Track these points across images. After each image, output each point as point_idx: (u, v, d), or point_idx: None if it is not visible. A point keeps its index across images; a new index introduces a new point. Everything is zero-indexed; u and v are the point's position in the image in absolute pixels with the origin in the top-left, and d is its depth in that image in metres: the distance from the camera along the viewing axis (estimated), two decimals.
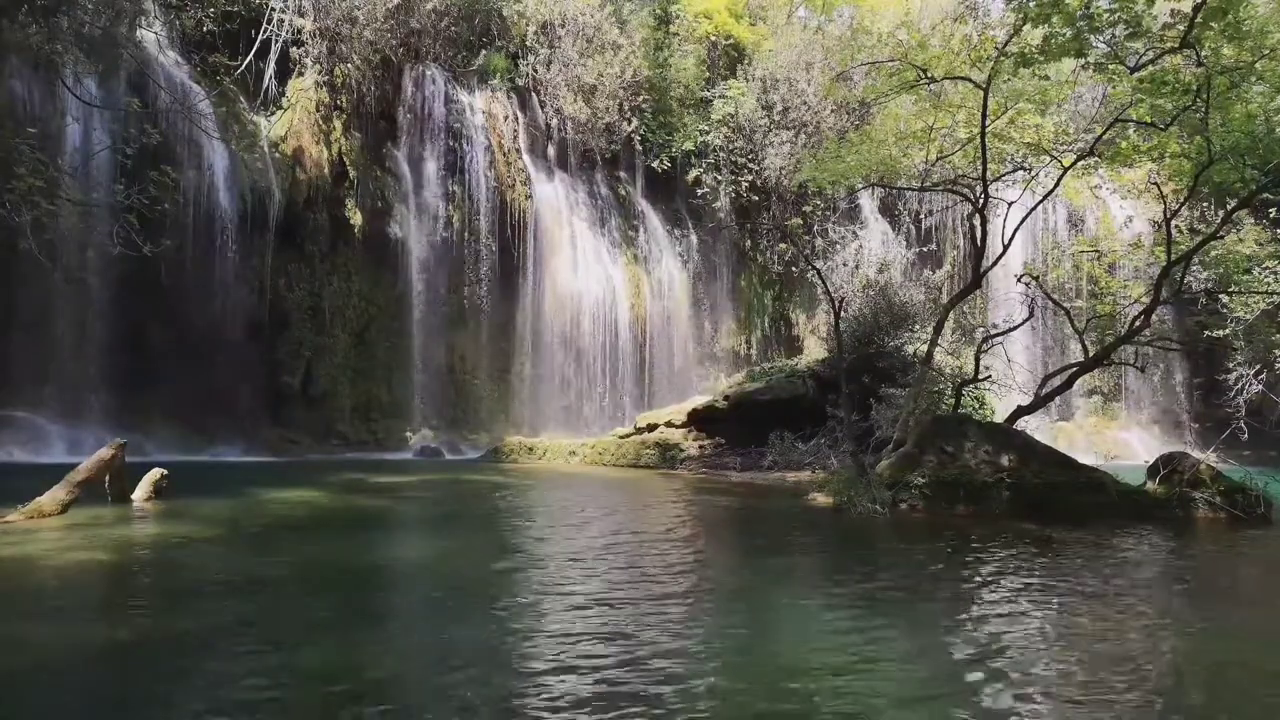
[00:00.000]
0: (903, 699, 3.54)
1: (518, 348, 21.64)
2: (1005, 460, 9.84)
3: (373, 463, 15.99)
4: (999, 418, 13.37)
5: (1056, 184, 13.28)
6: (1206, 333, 18.56)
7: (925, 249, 24.69)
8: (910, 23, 14.45)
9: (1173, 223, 12.49)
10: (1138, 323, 12.32)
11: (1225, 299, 17.34)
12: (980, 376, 13.37)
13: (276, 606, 4.92)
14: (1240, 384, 19.76)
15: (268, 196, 17.77)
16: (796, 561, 7.00)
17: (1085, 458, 12.73)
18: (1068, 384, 13.25)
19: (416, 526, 9.06)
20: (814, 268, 15.96)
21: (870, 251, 22.10)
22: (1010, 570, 6.48)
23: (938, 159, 13.98)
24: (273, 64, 18.64)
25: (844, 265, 20.14)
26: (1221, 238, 13.45)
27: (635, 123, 23.60)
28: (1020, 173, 13.72)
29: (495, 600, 5.20)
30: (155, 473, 8.97)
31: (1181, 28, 9.88)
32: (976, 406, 15.61)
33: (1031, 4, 10.05)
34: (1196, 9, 9.63)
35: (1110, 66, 11.05)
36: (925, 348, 13.48)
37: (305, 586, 5.53)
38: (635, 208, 24.46)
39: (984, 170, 12.07)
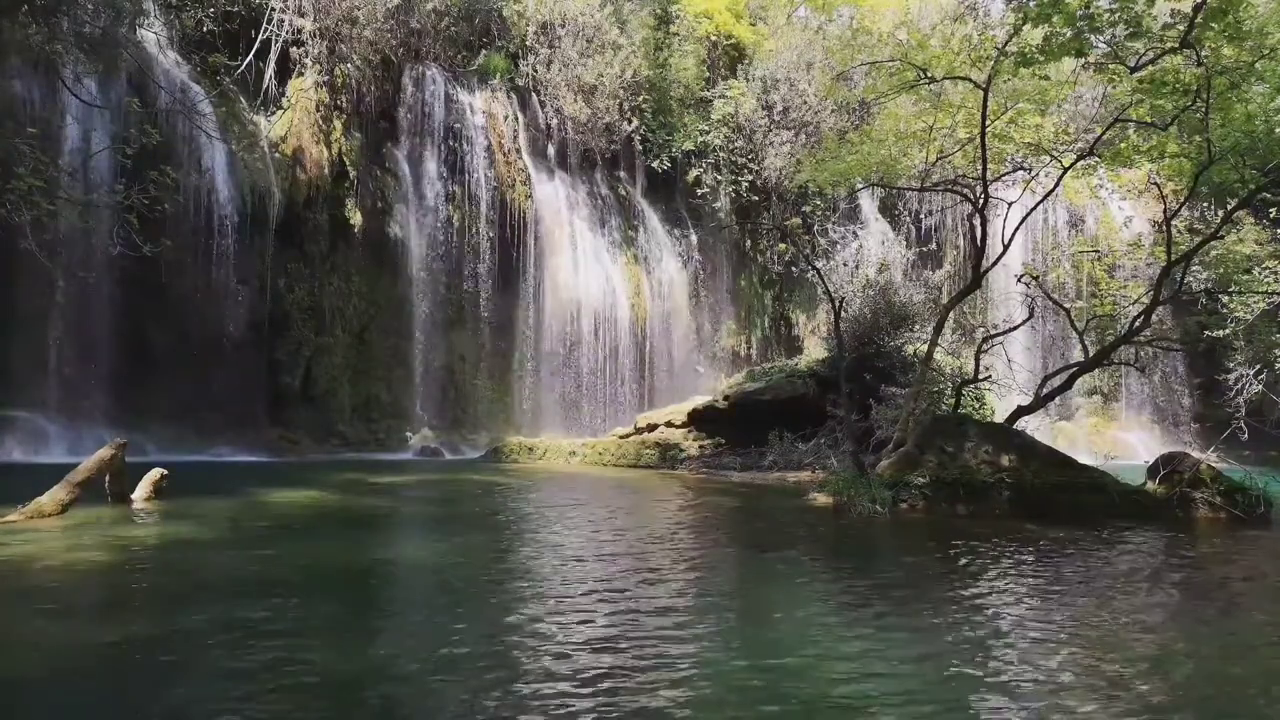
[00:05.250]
0: (901, 698, 3.54)
1: (518, 348, 21.63)
2: (1005, 460, 9.84)
3: (372, 463, 15.98)
4: (999, 418, 13.36)
5: (1056, 184, 13.28)
6: (1206, 333, 18.53)
7: (925, 249, 24.73)
8: (910, 23, 14.48)
9: (1173, 223, 12.49)
10: (1138, 323, 12.32)
11: (1225, 299, 17.34)
12: (980, 376, 13.37)
13: (277, 606, 4.91)
14: (1240, 384, 19.74)
15: (268, 196, 17.75)
16: (796, 562, 7.00)
17: (1085, 458, 12.72)
18: (1068, 384, 13.24)
19: (417, 527, 9.05)
20: (814, 268, 15.97)
21: (870, 251, 22.11)
22: (1010, 571, 6.48)
23: (938, 159, 13.97)
24: (273, 64, 18.63)
25: (844, 265, 20.11)
26: (1221, 238, 13.45)
27: (635, 123, 23.58)
28: (1020, 173, 13.72)
29: (496, 601, 5.20)
30: (155, 473, 8.98)
31: (1181, 28, 9.86)
32: (976, 406, 15.58)
33: (1031, 4, 10.04)
34: (1196, 9, 9.62)
35: (1110, 66, 11.06)
36: (925, 348, 13.47)
37: (306, 586, 5.53)
38: (635, 208, 24.44)
39: (984, 170, 12.06)
